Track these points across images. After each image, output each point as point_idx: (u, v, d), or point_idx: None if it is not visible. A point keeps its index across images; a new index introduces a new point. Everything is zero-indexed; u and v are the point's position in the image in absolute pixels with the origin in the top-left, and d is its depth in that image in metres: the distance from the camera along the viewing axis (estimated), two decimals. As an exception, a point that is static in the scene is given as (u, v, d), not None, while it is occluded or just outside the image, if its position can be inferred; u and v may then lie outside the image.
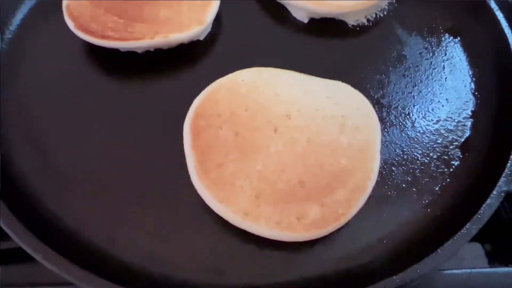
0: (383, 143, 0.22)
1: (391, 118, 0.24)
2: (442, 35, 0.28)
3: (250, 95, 0.22)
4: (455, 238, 0.20)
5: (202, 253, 0.20)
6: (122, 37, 0.24)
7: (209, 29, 0.26)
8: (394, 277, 0.19)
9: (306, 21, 0.28)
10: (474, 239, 0.21)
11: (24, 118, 0.24)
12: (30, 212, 0.21)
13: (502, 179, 0.22)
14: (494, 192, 0.21)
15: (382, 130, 0.23)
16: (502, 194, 0.21)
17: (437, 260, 0.19)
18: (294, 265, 0.20)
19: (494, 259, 0.25)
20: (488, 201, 0.21)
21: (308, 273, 0.20)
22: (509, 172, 0.22)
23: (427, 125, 0.24)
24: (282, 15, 0.28)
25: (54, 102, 0.24)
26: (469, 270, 0.23)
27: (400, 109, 0.25)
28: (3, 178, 0.21)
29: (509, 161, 0.22)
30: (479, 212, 0.20)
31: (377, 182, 0.21)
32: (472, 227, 0.20)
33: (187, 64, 0.26)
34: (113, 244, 0.20)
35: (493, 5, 0.28)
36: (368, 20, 0.28)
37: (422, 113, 0.25)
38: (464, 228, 0.20)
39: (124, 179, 0.22)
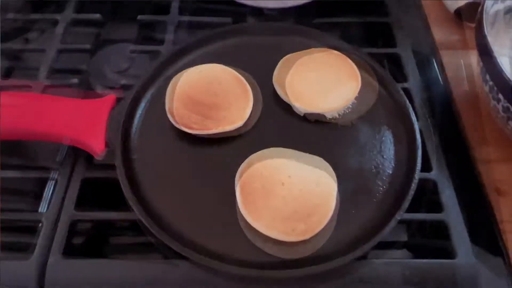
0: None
1: (348, 176, 0.43)
2: (381, 126, 0.47)
3: (270, 165, 0.41)
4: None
5: (242, 247, 0.38)
6: (200, 128, 0.43)
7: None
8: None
9: (302, 114, 0.48)
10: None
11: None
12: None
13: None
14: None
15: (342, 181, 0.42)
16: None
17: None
18: (290, 252, 0.38)
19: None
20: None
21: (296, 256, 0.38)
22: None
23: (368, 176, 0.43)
24: (289, 109, 0.48)
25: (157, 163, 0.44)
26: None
27: (353, 171, 0.44)
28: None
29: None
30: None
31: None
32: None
33: (231, 141, 0.45)
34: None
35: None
36: (338, 114, 0.48)
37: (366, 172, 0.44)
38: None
39: (198, 210, 0.40)
